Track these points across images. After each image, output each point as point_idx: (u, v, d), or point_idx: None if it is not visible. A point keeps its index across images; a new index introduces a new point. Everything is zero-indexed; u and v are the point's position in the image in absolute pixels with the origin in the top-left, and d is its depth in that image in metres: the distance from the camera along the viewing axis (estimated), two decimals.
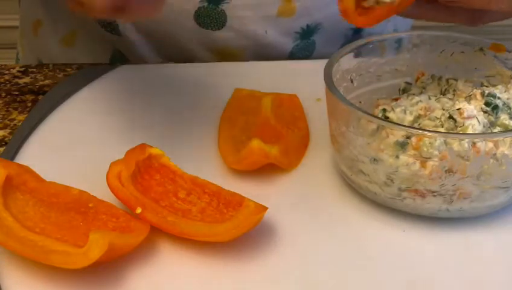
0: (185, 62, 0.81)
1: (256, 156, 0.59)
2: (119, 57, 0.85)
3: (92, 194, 0.56)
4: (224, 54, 0.81)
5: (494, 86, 0.60)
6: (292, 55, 0.82)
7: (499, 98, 0.57)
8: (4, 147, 0.65)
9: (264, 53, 0.81)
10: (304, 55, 0.83)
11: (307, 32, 0.81)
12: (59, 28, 0.87)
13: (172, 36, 0.80)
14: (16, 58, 0.98)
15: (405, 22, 0.95)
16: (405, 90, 0.62)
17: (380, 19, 0.52)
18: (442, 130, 0.55)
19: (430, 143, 0.52)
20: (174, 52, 0.82)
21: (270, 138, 0.63)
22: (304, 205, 0.58)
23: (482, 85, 0.61)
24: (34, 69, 0.80)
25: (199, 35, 0.79)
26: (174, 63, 0.82)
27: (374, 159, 0.55)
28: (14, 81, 0.78)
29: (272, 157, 0.60)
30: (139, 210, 0.53)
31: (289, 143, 0.63)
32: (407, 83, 0.63)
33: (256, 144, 0.59)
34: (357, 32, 0.85)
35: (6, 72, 0.80)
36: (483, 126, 0.55)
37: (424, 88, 0.62)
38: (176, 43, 0.81)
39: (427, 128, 0.55)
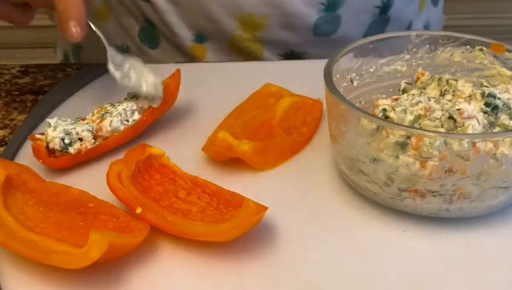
0: (211, 31, 0.82)
1: (218, 147, 0.60)
2: (149, 29, 0.85)
3: (92, 194, 0.56)
4: (249, 23, 0.81)
5: (494, 86, 0.60)
6: (317, 28, 0.82)
7: (498, 98, 0.57)
8: (4, 147, 0.65)
9: (288, 23, 0.82)
10: (328, 29, 0.83)
11: (332, 4, 0.81)
12: (93, 4, 0.88)
13: (199, 1, 0.81)
14: (54, 50, 0.99)
15: (437, 16, 0.95)
16: (405, 90, 0.62)
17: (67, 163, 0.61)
18: (442, 130, 0.55)
19: (430, 143, 0.52)
20: (200, 20, 0.82)
21: (260, 136, 0.63)
22: (303, 205, 0.58)
23: (482, 85, 0.61)
24: (34, 69, 0.80)
25: (225, 1, 0.80)
26: (200, 36, 0.83)
27: (374, 159, 0.55)
28: (14, 81, 0.78)
29: (240, 153, 0.60)
30: (139, 210, 0.53)
31: (272, 144, 0.63)
32: (407, 83, 0.63)
33: (221, 135, 0.60)
34: (383, 12, 0.85)
35: (6, 72, 0.80)
36: (483, 126, 0.55)
37: (424, 88, 0.62)
38: (202, 9, 0.81)
39: (427, 129, 0.55)
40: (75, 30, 0.62)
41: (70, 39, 0.62)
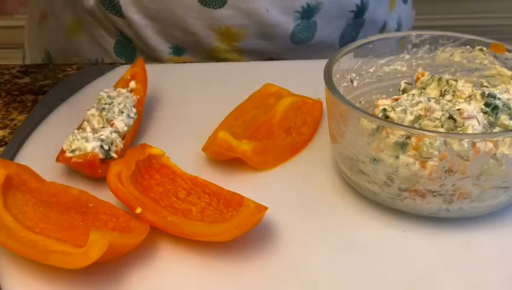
0: (189, 43, 0.81)
1: (218, 147, 0.60)
2: (124, 43, 0.85)
3: (92, 194, 0.56)
4: (226, 34, 0.81)
5: (494, 86, 0.60)
6: (294, 36, 0.82)
7: (498, 98, 0.57)
8: (4, 147, 0.65)
9: (265, 33, 0.82)
10: (305, 36, 0.83)
11: (308, 12, 0.81)
12: (64, 17, 0.87)
13: (175, 15, 0.81)
14: (23, 56, 0.98)
15: (407, 13, 0.96)
16: (405, 90, 0.62)
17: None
18: (442, 130, 0.55)
19: (430, 143, 0.52)
20: (177, 33, 0.82)
21: (260, 136, 0.63)
22: (303, 205, 0.58)
23: (482, 85, 0.61)
24: (34, 69, 0.80)
25: (201, 14, 0.80)
26: (177, 48, 0.83)
27: (374, 159, 0.55)
28: (14, 81, 0.78)
29: (240, 153, 0.60)
30: (139, 210, 0.53)
31: (272, 144, 0.63)
32: (407, 83, 0.63)
33: (221, 135, 0.60)
34: (357, 16, 0.86)
35: (6, 72, 0.80)
36: (483, 126, 0.55)
37: (424, 88, 0.62)
38: (178, 22, 0.81)
39: (427, 129, 0.55)
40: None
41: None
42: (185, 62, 0.84)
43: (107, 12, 0.82)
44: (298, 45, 0.84)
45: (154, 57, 0.85)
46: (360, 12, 0.85)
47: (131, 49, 0.85)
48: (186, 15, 0.80)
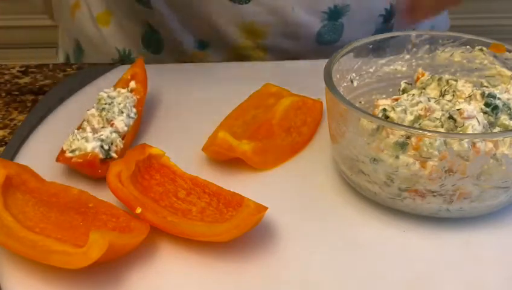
0: (213, 38, 0.82)
1: (218, 147, 0.60)
2: (152, 35, 0.85)
3: (92, 194, 0.56)
4: (251, 31, 0.81)
5: (494, 86, 0.60)
6: (320, 37, 0.82)
7: (498, 98, 0.57)
8: (4, 147, 0.65)
9: (290, 32, 0.82)
10: (331, 38, 0.83)
11: (335, 13, 0.81)
12: (94, 8, 0.87)
13: (201, 9, 0.81)
14: (56, 52, 0.99)
15: (442, 20, 0.96)
16: (405, 90, 0.62)
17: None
18: (442, 130, 0.55)
19: (430, 143, 0.52)
20: (202, 27, 0.82)
21: (260, 136, 0.63)
22: (303, 205, 0.58)
23: (482, 85, 0.61)
24: (34, 69, 0.80)
25: (227, 9, 0.80)
26: (201, 42, 0.83)
27: (374, 159, 0.55)
28: (14, 81, 0.78)
29: (240, 153, 0.60)
30: (139, 210, 0.53)
31: (272, 144, 0.63)
32: (407, 83, 0.63)
33: (221, 135, 0.60)
34: (386, 20, 0.85)
35: (6, 72, 0.80)
36: (483, 126, 0.55)
37: (424, 88, 0.62)
38: (204, 16, 0.81)
39: (427, 129, 0.55)
40: None
41: None
42: (184, 62, 0.84)
43: (135, 3, 0.82)
44: (324, 46, 0.83)
45: (179, 51, 0.85)
46: (389, 16, 0.85)
47: (158, 41, 0.85)
48: (212, 9, 0.80)
